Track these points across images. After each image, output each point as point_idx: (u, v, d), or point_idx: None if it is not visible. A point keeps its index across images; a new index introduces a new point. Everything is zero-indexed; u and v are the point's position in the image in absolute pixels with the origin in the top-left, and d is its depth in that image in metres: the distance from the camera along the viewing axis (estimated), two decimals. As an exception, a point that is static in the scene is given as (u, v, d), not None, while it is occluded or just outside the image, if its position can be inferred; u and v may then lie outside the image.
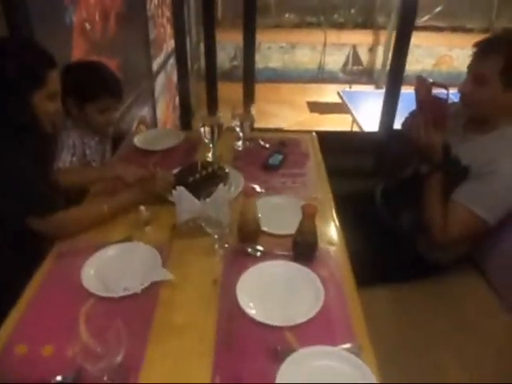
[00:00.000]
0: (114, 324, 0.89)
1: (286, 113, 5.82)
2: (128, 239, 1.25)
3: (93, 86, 1.60)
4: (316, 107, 6.03)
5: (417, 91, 1.46)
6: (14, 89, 1.19)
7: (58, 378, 0.88)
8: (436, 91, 1.41)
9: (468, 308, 1.50)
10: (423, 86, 1.44)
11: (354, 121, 4.56)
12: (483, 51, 1.36)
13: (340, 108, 5.26)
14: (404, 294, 1.55)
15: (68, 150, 1.59)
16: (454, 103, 1.52)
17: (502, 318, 1.44)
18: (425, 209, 1.46)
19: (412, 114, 1.54)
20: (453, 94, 1.43)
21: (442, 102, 1.39)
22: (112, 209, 1.34)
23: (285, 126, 5.00)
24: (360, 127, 4.31)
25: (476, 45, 1.37)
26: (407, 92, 1.89)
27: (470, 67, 1.39)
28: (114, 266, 1.14)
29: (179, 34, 2.37)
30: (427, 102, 1.42)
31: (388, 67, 2.53)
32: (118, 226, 1.32)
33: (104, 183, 1.52)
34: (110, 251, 1.19)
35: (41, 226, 1.24)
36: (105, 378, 0.86)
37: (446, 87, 1.38)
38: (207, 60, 2.36)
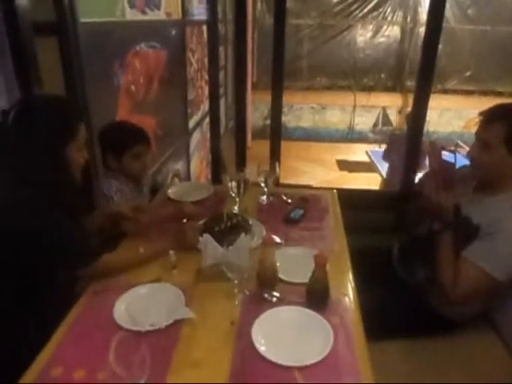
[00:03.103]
0: (139, 353, 1.00)
1: (316, 170, 5.97)
2: (157, 280, 1.37)
3: (125, 138, 1.89)
4: (345, 165, 6.17)
5: (429, 155, 1.59)
6: (49, 143, 1.25)
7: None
8: (445, 155, 1.53)
9: (482, 367, 1.50)
10: (434, 151, 1.56)
11: (383, 180, 4.67)
12: (488, 119, 1.47)
13: (369, 167, 5.38)
14: (416, 349, 1.57)
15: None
16: (465, 166, 1.62)
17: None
18: (437, 265, 1.52)
19: (426, 176, 1.65)
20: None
21: (450, 165, 1.50)
22: (147, 254, 1.47)
23: (314, 183, 5.12)
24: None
25: (482, 113, 1.49)
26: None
27: (476, 134, 1.51)
28: (142, 304, 1.26)
29: (213, 98, 2.60)
30: (437, 165, 1.53)
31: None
32: (149, 268, 1.44)
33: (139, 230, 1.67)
34: (141, 290, 1.31)
35: (87, 272, 1.34)
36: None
37: (454, 152, 1.49)
38: (236, 122, 2.56)
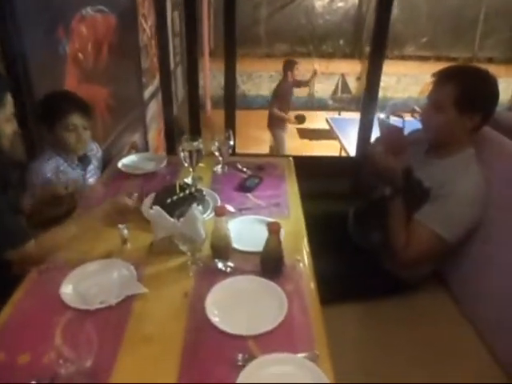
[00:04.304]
0: (87, 333, 0.96)
1: (277, 139, 5.93)
2: (107, 256, 1.32)
3: (58, 106, 1.74)
4: (306, 134, 6.17)
5: (378, 119, 1.59)
6: None
7: (33, 382, 0.92)
8: (394, 120, 1.53)
9: (434, 325, 1.55)
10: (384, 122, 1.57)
11: (342, 146, 4.70)
12: (440, 81, 1.48)
13: (329, 134, 5.40)
14: (371, 312, 1.60)
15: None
16: (417, 130, 1.63)
17: (465, 333, 1.51)
18: (389, 229, 1.54)
19: (376, 141, 1.66)
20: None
21: (397, 130, 1.51)
22: (81, 226, 1.36)
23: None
24: (347, 152, 4.43)
25: (434, 75, 1.49)
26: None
27: (428, 96, 1.51)
28: (92, 281, 1.21)
29: (163, 66, 2.50)
30: (385, 130, 1.54)
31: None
32: (98, 244, 1.39)
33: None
34: (90, 267, 1.26)
35: (14, 257, 1.25)
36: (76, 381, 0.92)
37: (402, 117, 1.50)
38: (189, 90, 2.48)
